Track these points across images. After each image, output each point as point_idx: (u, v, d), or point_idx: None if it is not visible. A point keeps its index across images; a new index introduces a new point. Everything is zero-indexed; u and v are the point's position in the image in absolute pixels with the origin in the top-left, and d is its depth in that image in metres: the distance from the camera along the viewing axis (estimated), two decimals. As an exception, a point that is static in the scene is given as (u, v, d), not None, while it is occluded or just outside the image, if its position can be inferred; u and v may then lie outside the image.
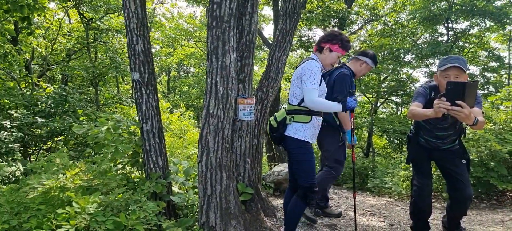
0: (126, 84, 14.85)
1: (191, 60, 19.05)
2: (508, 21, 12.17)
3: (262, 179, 5.09)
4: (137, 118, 3.03)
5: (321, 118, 2.68)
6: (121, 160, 3.12)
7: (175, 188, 3.19)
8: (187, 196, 3.09)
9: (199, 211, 2.67)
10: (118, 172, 3.06)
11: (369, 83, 11.37)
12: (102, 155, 3.11)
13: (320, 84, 2.55)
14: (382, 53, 10.64)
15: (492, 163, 4.46)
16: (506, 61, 15.24)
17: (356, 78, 3.62)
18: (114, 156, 2.87)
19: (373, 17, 12.39)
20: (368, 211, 4.15)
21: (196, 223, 2.68)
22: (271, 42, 7.91)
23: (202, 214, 2.62)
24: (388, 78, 12.34)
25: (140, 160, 3.07)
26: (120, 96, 9.74)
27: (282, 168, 5.02)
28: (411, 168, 3.15)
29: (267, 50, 12.41)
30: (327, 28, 11.89)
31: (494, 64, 14.55)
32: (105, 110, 9.12)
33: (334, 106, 2.53)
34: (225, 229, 2.59)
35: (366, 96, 11.55)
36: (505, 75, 15.36)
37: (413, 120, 3.02)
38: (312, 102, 2.47)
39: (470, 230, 3.34)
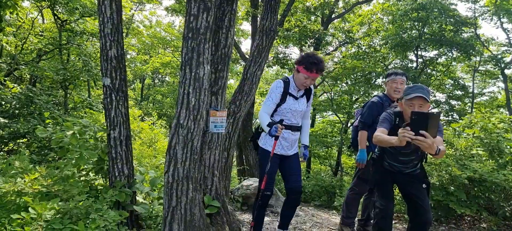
0: (98, 89, 14.46)
1: (167, 69, 18.86)
2: (473, 52, 12.97)
3: (230, 192, 5.07)
4: (105, 124, 2.97)
5: (288, 131, 2.90)
6: (85, 166, 3.03)
7: (139, 198, 3.12)
8: (152, 206, 3.04)
9: (162, 223, 2.62)
10: (81, 178, 2.97)
11: (341, 103, 11.69)
12: (65, 160, 3.01)
13: (283, 102, 2.85)
14: (355, 75, 11.00)
15: (452, 188, 4.67)
16: (470, 90, 16.20)
17: (395, 98, 3.78)
18: (78, 162, 2.79)
19: (347, 40, 12.84)
20: (332, 229, 4.22)
21: (159, 235, 2.64)
22: (247, 57, 8.02)
23: (166, 226, 2.58)
24: (359, 99, 12.76)
25: (105, 167, 3.00)
26: (91, 101, 9.46)
27: (251, 182, 5.02)
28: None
29: (243, 64, 12.55)
30: (303, 47, 12.20)
31: (459, 92, 15.41)
32: (73, 114, 8.81)
33: (265, 128, 2.76)
34: (188, 241, 2.56)
35: (338, 116, 11.85)
36: (468, 104, 16.28)
37: None
38: (259, 114, 2.88)
39: (428, 251, 3.46)
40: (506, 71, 15.23)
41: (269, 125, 2.72)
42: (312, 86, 3.15)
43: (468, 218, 4.83)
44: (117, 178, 2.86)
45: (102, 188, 2.90)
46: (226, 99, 3.79)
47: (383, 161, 3.05)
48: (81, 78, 9.69)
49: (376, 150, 3.17)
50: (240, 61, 13.59)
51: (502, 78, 15.63)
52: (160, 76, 24.05)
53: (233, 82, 19.27)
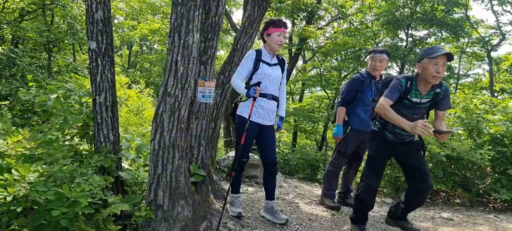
0: (83, 53, 14.06)
1: (156, 36, 18.37)
2: (462, 34, 13.08)
3: (216, 163, 5.13)
4: (90, 89, 2.92)
5: (264, 99, 3.05)
6: (69, 131, 3.00)
7: (125, 165, 3.13)
8: (137, 173, 3.06)
9: (147, 189, 2.65)
10: (66, 143, 2.94)
11: (330, 79, 11.74)
12: (49, 124, 2.97)
13: (257, 69, 3.02)
14: (345, 52, 10.99)
15: (430, 164, 4.85)
16: (456, 71, 16.45)
17: (375, 76, 3.91)
18: (62, 126, 2.75)
19: (340, 15, 12.72)
20: (314, 200, 4.35)
21: (144, 201, 2.67)
22: (238, 28, 7.88)
23: (151, 192, 2.61)
24: (348, 76, 12.82)
25: (90, 133, 2.98)
26: (76, 65, 9.21)
27: (238, 153, 5.07)
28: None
29: (234, 35, 12.32)
30: (295, 20, 12.04)
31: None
32: (58, 78, 8.60)
33: (242, 90, 3.00)
34: (172, 208, 2.61)
35: (326, 92, 11.93)
36: (453, 85, 16.58)
37: (375, 114, 3.04)
38: (231, 80, 3.10)
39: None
40: (492, 54, 15.47)
41: (247, 88, 2.97)
42: (285, 59, 3.34)
43: (443, 194, 5.04)
44: (103, 143, 2.85)
45: (87, 153, 2.89)
46: (215, 69, 3.76)
47: (386, 131, 3.00)
48: (66, 41, 9.37)
49: (376, 122, 3.13)
50: (231, 31, 13.37)
51: (487, 61, 15.90)
52: (148, 43, 23.47)
53: (223, 53, 19.01)
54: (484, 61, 17.93)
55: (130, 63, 22.80)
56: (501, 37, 15.59)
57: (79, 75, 8.42)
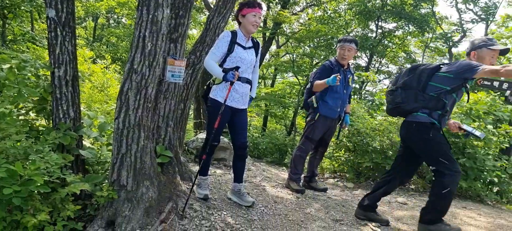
0: (43, 22, 13.14)
1: (124, 9, 17.52)
2: (427, 29, 13.63)
3: (185, 144, 5.04)
4: (49, 62, 2.72)
5: (239, 83, 2.97)
6: (24, 105, 2.79)
7: (87, 143, 2.98)
8: (100, 152, 2.93)
9: (110, 169, 2.55)
10: (20, 117, 2.74)
11: (302, 66, 11.84)
12: (1, 97, 2.74)
13: (232, 52, 2.93)
14: (318, 39, 11.09)
15: (390, 152, 5.07)
16: (419, 65, 17.11)
17: (344, 64, 3.99)
18: (16, 99, 2.55)
19: (315, 2, 12.76)
20: (280, 183, 4.42)
21: (106, 181, 2.56)
22: (212, 7, 7.66)
23: (114, 172, 2.51)
24: (320, 64, 12.99)
25: (48, 108, 2.79)
26: (34, 35, 8.56)
27: (207, 135, 5.02)
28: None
29: (208, 15, 11.99)
30: (270, 4, 11.93)
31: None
32: (13, 48, 7.98)
33: (218, 73, 2.87)
34: (136, 189, 2.53)
35: (297, 78, 12.03)
36: (417, 78, 17.25)
37: (431, 105, 2.77)
38: (204, 62, 2.96)
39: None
40: (453, 50, 16.26)
41: (224, 71, 2.86)
42: (260, 42, 3.27)
43: (401, 180, 5.29)
44: (62, 120, 2.68)
45: (44, 129, 2.72)
46: (186, 49, 3.63)
47: (442, 124, 2.80)
48: (23, 8, 8.65)
49: (433, 114, 2.80)
50: (204, 10, 13.02)
51: (448, 56, 16.69)
52: (115, 16, 22.34)
53: (195, 33, 18.52)
54: (445, 57, 18.83)
55: (95, 36, 21.63)
56: (462, 34, 16.38)
57: (37, 45, 7.85)
